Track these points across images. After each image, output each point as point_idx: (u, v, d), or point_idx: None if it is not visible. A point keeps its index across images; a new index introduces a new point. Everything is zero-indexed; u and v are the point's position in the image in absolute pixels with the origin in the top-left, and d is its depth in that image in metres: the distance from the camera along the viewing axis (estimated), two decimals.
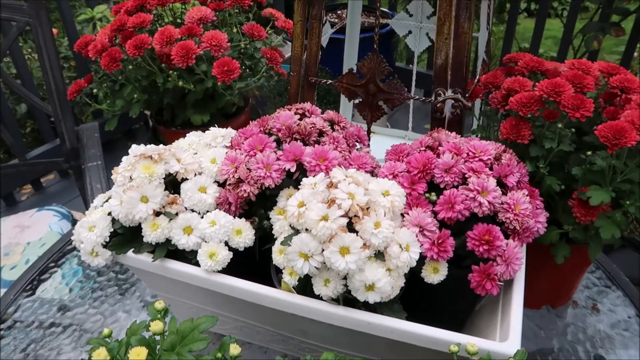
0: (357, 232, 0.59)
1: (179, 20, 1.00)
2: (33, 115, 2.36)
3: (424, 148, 0.72)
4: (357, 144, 0.80)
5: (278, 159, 0.71)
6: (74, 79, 2.58)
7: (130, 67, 0.92)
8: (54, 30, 2.86)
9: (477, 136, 0.85)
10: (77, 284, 0.99)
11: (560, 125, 0.71)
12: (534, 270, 0.71)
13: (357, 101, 0.84)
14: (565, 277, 0.86)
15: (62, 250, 1.10)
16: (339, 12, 2.58)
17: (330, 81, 0.86)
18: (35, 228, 1.66)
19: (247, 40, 0.96)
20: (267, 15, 1.06)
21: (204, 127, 0.89)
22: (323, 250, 0.59)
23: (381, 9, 2.60)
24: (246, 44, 0.96)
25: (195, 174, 0.74)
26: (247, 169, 0.71)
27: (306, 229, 0.60)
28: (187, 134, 0.82)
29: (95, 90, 1.03)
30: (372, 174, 0.75)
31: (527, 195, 0.68)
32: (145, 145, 0.75)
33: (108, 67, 0.90)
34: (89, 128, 1.75)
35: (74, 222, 1.76)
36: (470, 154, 0.69)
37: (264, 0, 1.06)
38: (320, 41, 0.84)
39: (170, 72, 0.90)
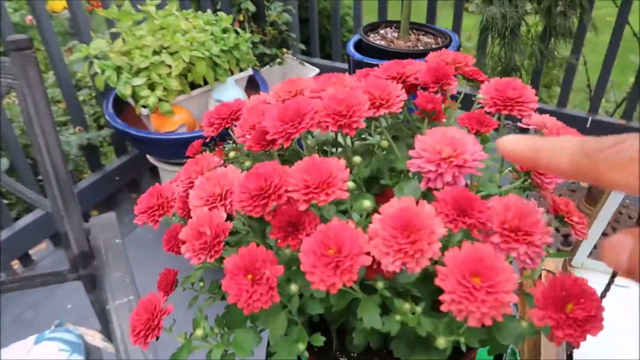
0: None
1: None
2: (16, 172, 1.77)
3: None
4: None
5: None
6: (64, 125, 2.01)
7: None
8: None
9: None
10: None
11: None
12: None
13: None
14: None
15: None
16: (381, 31, 2.06)
17: None
18: None
19: None
20: None
21: None
22: None
23: (435, 26, 2.09)
24: None
25: None
26: None
27: None
28: None
29: None
30: None
31: None
32: None
33: None
34: (104, 223, 1.21)
35: (87, 351, 1.22)
36: None
37: None
38: None
39: None
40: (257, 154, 0.51)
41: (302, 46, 2.56)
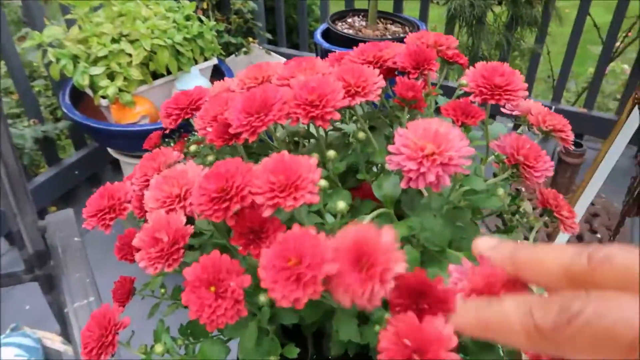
0: None
1: None
2: None
3: None
4: None
5: None
6: (17, 117, 1.89)
7: None
8: None
9: None
10: None
11: None
12: None
13: None
14: None
15: None
16: (349, 20, 2.01)
17: None
18: None
19: None
20: None
21: None
22: None
23: (402, 15, 2.06)
24: None
25: None
26: None
27: None
28: None
29: None
30: None
31: None
32: None
33: None
34: (62, 220, 1.14)
35: (46, 355, 1.15)
36: None
37: None
38: None
39: None
40: (221, 148, 0.46)
41: (269, 35, 2.49)
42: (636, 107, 0.74)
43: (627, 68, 2.52)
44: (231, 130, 0.39)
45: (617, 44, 2.20)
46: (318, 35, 1.93)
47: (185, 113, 0.47)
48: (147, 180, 0.43)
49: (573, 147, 0.55)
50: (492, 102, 0.40)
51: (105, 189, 0.44)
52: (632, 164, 1.93)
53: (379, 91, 0.40)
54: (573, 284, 0.21)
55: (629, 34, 2.20)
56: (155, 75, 1.67)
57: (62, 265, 1.09)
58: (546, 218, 0.51)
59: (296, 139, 0.52)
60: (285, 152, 0.34)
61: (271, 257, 0.30)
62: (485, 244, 0.25)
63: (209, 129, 0.42)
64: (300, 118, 0.38)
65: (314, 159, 0.33)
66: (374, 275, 0.29)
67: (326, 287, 0.32)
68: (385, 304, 0.40)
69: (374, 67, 0.42)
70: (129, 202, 0.43)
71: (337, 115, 0.37)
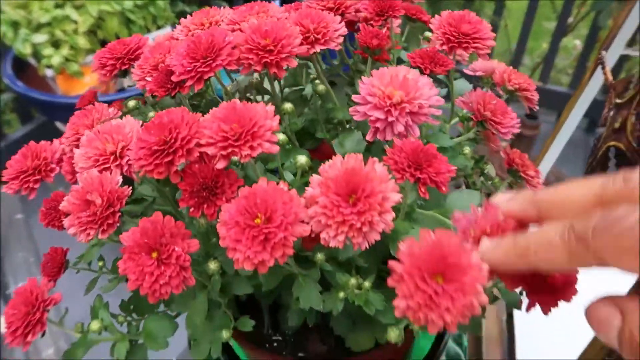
0: None
1: None
2: None
3: None
4: None
5: None
6: None
7: None
8: None
9: None
10: None
11: None
12: None
13: None
14: None
15: None
16: None
17: None
18: None
19: None
20: None
21: None
22: None
23: None
24: None
25: None
26: None
27: None
28: None
29: None
30: None
31: None
32: None
33: None
34: (1, 197, 1.05)
35: None
36: None
37: None
38: None
39: None
40: (165, 104, 0.41)
41: (225, 4, 2.39)
42: (599, 67, 0.73)
43: (578, 44, 2.56)
44: (174, 78, 0.34)
45: (570, 19, 2.22)
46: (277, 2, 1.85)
47: (122, 63, 0.41)
48: (79, 140, 0.37)
49: (527, 120, 0.53)
50: (460, 50, 0.37)
51: (29, 148, 0.38)
52: (580, 135, 1.97)
53: (341, 39, 0.36)
54: (609, 207, 0.21)
55: (582, 9, 2.22)
56: (105, 44, 1.57)
57: (3, 244, 1.02)
58: (510, 179, 0.49)
59: (249, 95, 0.47)
60: (236, 100, 0.29)
61: (234, 212, 0.26)
62: (501, 198, 0.25)
63: (149, 79, 0.37)
64: (253, 64, 0.33)
65: (271, 106, 0.29)
66: (373, 205, 0.25)
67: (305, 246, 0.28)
68: (349, 268, 0.36)
69: (335, 14, 0.38)
70: (59, 161, 0.38)
71: (294, 62, 0.33)
